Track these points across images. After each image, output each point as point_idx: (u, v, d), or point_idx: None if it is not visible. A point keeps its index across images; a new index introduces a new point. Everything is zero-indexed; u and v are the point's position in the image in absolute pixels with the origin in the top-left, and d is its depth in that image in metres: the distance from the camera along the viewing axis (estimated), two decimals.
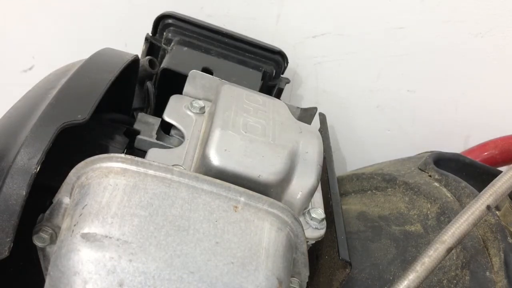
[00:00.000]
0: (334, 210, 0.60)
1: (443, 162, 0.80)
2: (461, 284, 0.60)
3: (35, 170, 0.44)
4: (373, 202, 0.79)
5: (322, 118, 0.81)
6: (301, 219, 0.55)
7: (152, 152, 0.55)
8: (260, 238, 0.45)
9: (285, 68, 0.90)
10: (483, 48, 0.99)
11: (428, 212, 0.70)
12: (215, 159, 0.51)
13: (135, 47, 0.88)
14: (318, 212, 0.56)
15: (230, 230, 0.44)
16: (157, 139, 0.61)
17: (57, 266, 0.40)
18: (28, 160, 0.45)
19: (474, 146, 1.05)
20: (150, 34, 0.86)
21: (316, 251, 0.62)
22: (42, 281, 0.43)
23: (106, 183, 0.44)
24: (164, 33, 0.85)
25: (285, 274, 0.45)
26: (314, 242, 0.55)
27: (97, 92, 0.53)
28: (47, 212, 0.47)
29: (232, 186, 0.47)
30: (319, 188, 0.62)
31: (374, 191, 0.81)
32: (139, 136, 0.60)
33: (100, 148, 0.58)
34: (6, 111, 0.59)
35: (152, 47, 0.87)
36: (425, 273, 0.51)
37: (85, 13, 1.03)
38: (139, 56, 0.76)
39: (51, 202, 0.47)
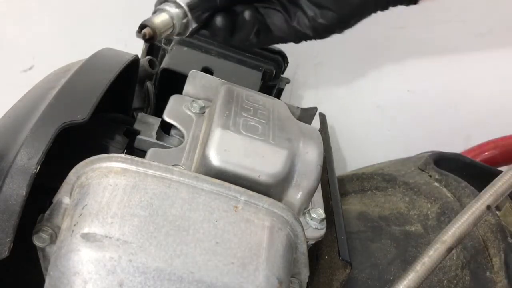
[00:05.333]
0: (334, 210, 0.60)
1: (443, 162, 0.80)
2: (461, 284, 0.60)
3: (35, 170, 0.44)
4: (373, 202, 0.79)
5: (322, 118, 0.81)
6: (301, 219, 0.55)
7: (152, 152, 0.55)
8: (260, 238, 0.45)
9: (285, 68, 0.90)
10: (483, 48, 0.99)
11: (428, 212, 0.70)
12: (215, 159, 0.50)
13: (135, 47, 0.88)
14: (318, 212, 0.56)
15: (230, 230, 0.44)
16: (157, 139, 0.61)
17: (57, 266, 0.40)
18: (28, 160, 0.45)
19: (474, 146, 1.05)
20: None
21: (316, 251, 0.62)
22: (42, 281, 0.43)
23: (106, 183, 0.44)
24: None
25: (285, 274, 0.45)
26: (314, 242, 0.55)
27: (97, 92, 0.53)
28: (47, 212, 0.47)
29: (232, 186, 0.47)
30: (319, 188, 0.62)
31: (374, 191, 0.81)
32: (139, 136, 0.60)
33: (100, 148, 0.58)
34: (6, 111, 0.59)
35: (152, 47, 0.86)
36: (425, 273, 0.51)
37: (85, 13, 1.03)
38: (139, 56, 0.76)
39: (51, 202, 0.47)
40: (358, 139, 1.15)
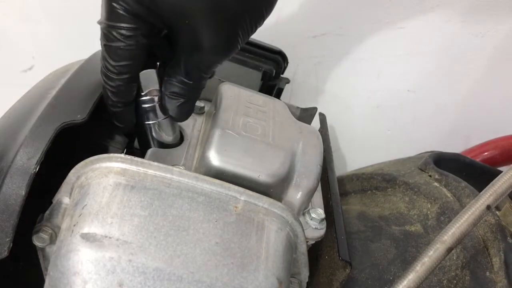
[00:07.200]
0: (334, 210, 0.60)
1: (443, 162, 0.80)
2: (461, 284, 0.60)
3: (34, 170, 0.44)
4: (373, 202, 0.79)
5: (322, 118, 0.81)
6: (301, 219, 0.55)
7: (152, 152, 0.55)
8: (260, 238, 0.45)
9: (285, 68, 0.90)
10: (483, 48, 0.99)
11: (428, 212, 0.70)
12: (215, 159, 0.51)
13: None
14: (318, 212, 0.56)
15: (230, 230, 0.44)
16: None
17: (57, 266, 0.40)
18: (27, 160, 0.45)
19: (474, 146, 1.05)
20: None
21: (316, 251, 0.62)
22: (42, 281, 0.43)
23: (106, 183, 0.44)
24: None
25: (285, 274, 0.45)
26: (314, 242, 0.55)
27: (97, 92, 0.53)
28: (47, 212, 0.47)
29: (232, 186, 0.47)
30: (319, 188, 0.62)
31: (374, 191, 0.81)
32: None
33: (100, 148, 0.58)
34: (6, 111, 0.59)
35: None
36: (425, 273, 0.51)
37: (85, 13, 1.03)
38: None
39: (51, 202, 0.47)
40: (358, 139, 1.15)
